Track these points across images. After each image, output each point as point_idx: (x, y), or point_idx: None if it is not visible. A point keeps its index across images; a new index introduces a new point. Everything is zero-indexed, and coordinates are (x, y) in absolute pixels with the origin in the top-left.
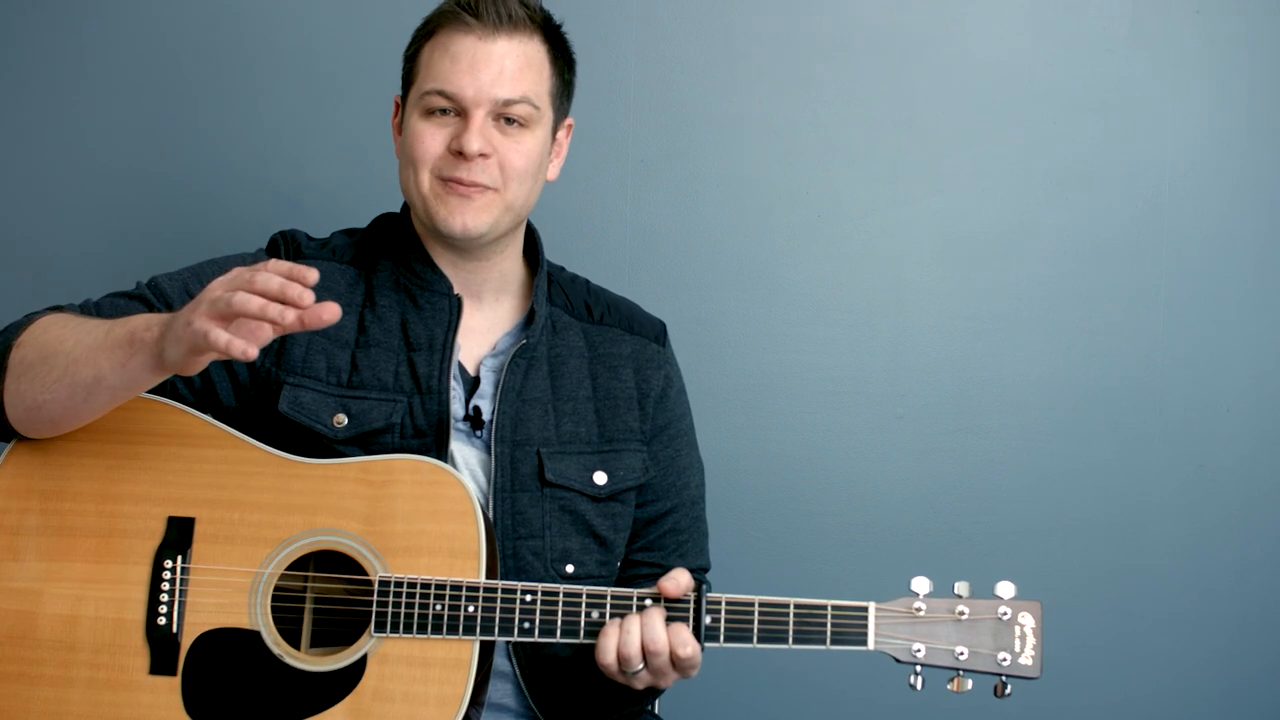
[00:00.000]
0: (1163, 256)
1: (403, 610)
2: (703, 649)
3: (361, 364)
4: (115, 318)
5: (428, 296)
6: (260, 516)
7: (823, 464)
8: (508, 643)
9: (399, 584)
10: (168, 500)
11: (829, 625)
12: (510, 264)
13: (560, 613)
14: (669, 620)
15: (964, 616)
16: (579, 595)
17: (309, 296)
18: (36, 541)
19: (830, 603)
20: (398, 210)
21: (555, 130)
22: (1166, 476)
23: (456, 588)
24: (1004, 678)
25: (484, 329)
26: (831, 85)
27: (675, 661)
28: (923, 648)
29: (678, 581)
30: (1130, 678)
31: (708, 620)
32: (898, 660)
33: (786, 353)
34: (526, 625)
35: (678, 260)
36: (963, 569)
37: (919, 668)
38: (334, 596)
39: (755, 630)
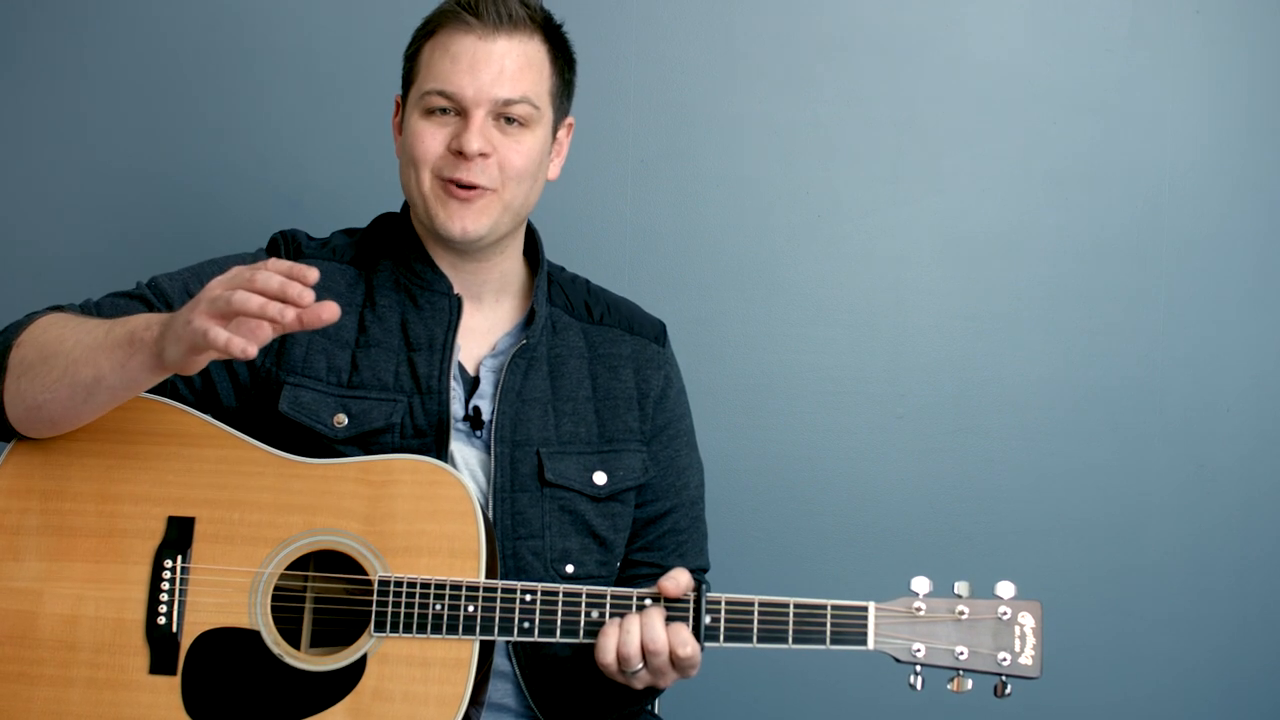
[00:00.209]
0: (1163, 256)
1: (402, 610)
2: (702, 649)
3: (361, 364)
4: (115, 318)
5: (428, 296)
6: (260, 516)
7: (823, 464)
8: (507, 642)
9: (399, 584)
10: (168, 500)
11: (829, 625)
12: (510, 264)
13: (560, 612)
14: (669, 620)
15: (964, 616)
16: (579, 595)
17: (309, 295)
18: (37, 541)
19: (830, 602)
20: (398, 210)
21: (555, 130)
22: (1166, 476)
23: (456, 587)
24: (1004, 677)
25: (484, 329)
26: (831, 85)
27: (675, 661)
28: (923, 647)
29: (677, 581)
30: (1130, 678)
31: (707, 620)
32: (898, 660)
33: (786, 353)
34: (526, 625)
35: (678, 260)
36: (963, 569)
37: (919, 667)
38: (334, 596)
39: (755, 630)
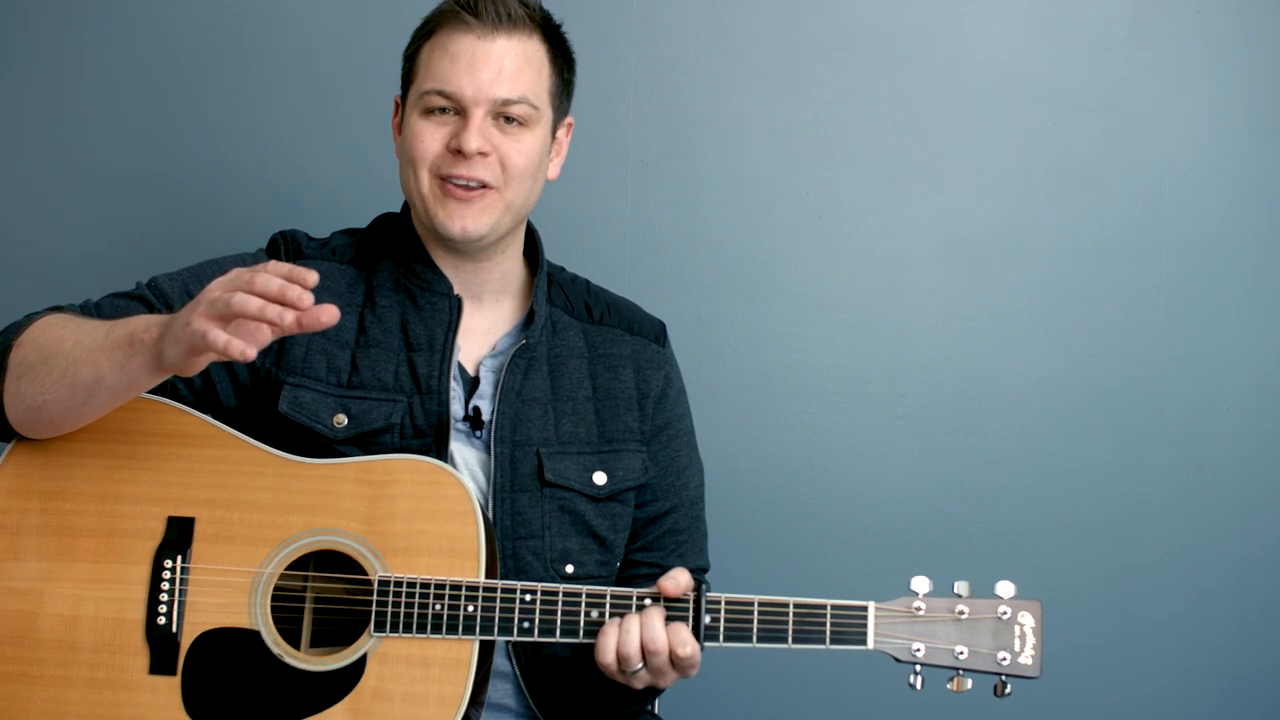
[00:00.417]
0: (1163, 256)
1: (402, 610)
2: (702, 648)
3: (361, 364)
4: (115, 318)
5: (428, 297)
6: (260, 516)
7: (823, 464)
8: (507, 642)
9: (399, 584)
10: (168, 500)
11: (828, 625)
12: (510, 264)
13: (560, 612)
14: (668, 620)
15: (964, 616)
16: (578, 595)
17: (308, 299)
18: (37, 541)
19: (830, 602)
20: (398, 210)
21: (555, 129)
22: (1166, 476)
23: (456, 587)
24: (1004, 677)
25: (484, 329)
26: (831, 85)
27: (674, 661)
28: (922, 647)
29: (677, 581)
30: (1130, 678)
31: (707, 620)
32: (897, 660)
33: (786, 353)
34: (526, 625)
35: (678, 260)
36: (963, 569)
37: (919, 667)
38: (334, 596)
39: (755, 630)
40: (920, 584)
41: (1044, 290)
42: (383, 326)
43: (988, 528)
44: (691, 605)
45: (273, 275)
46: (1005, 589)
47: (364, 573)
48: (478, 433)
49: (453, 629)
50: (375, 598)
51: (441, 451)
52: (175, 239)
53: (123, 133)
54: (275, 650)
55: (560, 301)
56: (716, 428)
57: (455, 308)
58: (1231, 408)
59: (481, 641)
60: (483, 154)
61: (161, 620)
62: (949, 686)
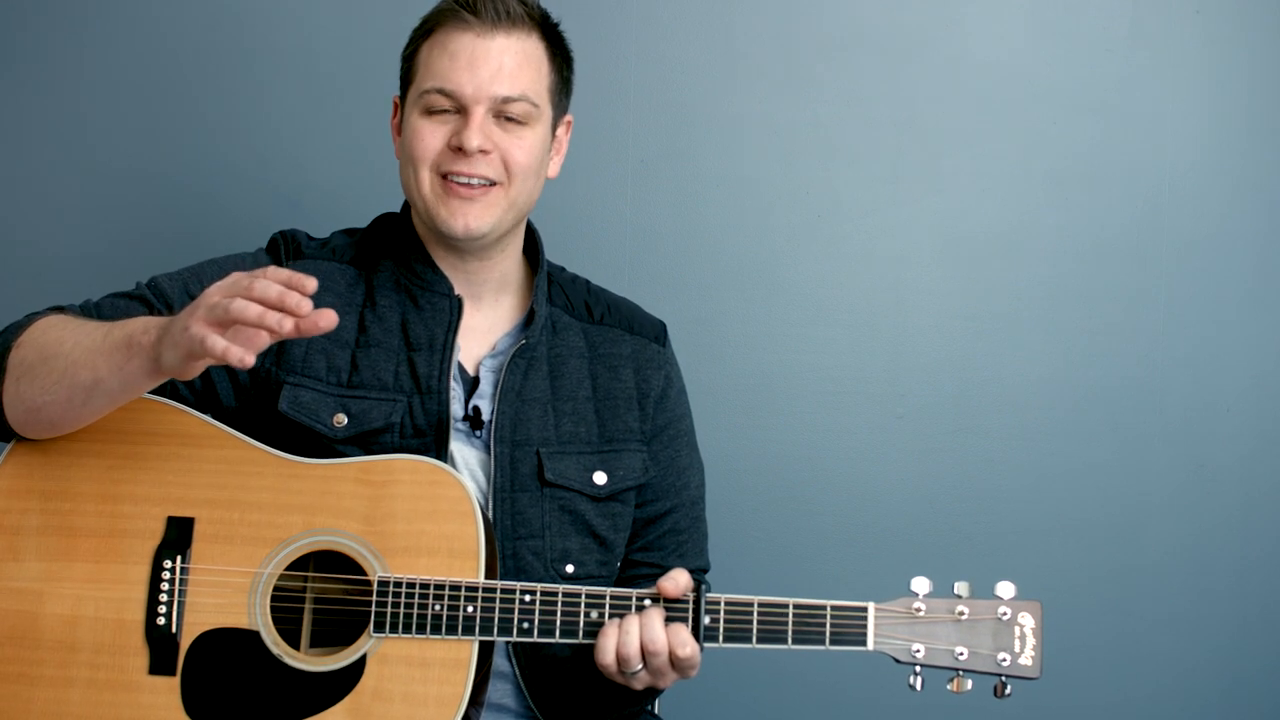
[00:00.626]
0: (1163, 256)
1: (402, 610)
2: (702, 649)
3: (361, 364)
4: (115, 318)
5: (428, 297)
6: (260, 516)
7: (823, 464)
8: (507, 643)
9: (398, 584)
10: (167, 500)
11: (828, 625)
12: (510, 264)
13: (559, 613)
14: (668, 620)
15: (964, 617)
16: (578, 595)
17: (307, 305)
18: (37, 542)
19: (830, 603)
20: (398, 210)
21: (555, 127)
22: (1166, 476)
23: (455, 588)
24: (1004, 678)
25: (484, 329)
26: (831, 85)
27: (674, 662)
28: (922, 648)
29: (677, 582)
30: (1130, 678)
31: (707, 620)
32: (897, 661)
33: (786, 353)
34: (525, 625)
35: (678, 260)
36: (963, 569)
37: (918, 668)
38: (333, 596)
39: (754, 630)
40: (920, 585)
41: (1044, 290)
42: (383, 326)
43: (988, 528)
44: (691, 606)
45: (272, 281)
46: (1005, 590)
47: (364, 573)
48: (478, 432)
49: (452, 629)
50: (375, 598)
51: (441, 451)
52: (175, 239)
53: (123, 133)
54: (275, 651)
55: (560, 301)
56: (716, 428)
57: (455, 307)
58: (1231, 408)
59: (481, 642)
60: (484, 151)
61: (161, 620)
62: (949, 687)
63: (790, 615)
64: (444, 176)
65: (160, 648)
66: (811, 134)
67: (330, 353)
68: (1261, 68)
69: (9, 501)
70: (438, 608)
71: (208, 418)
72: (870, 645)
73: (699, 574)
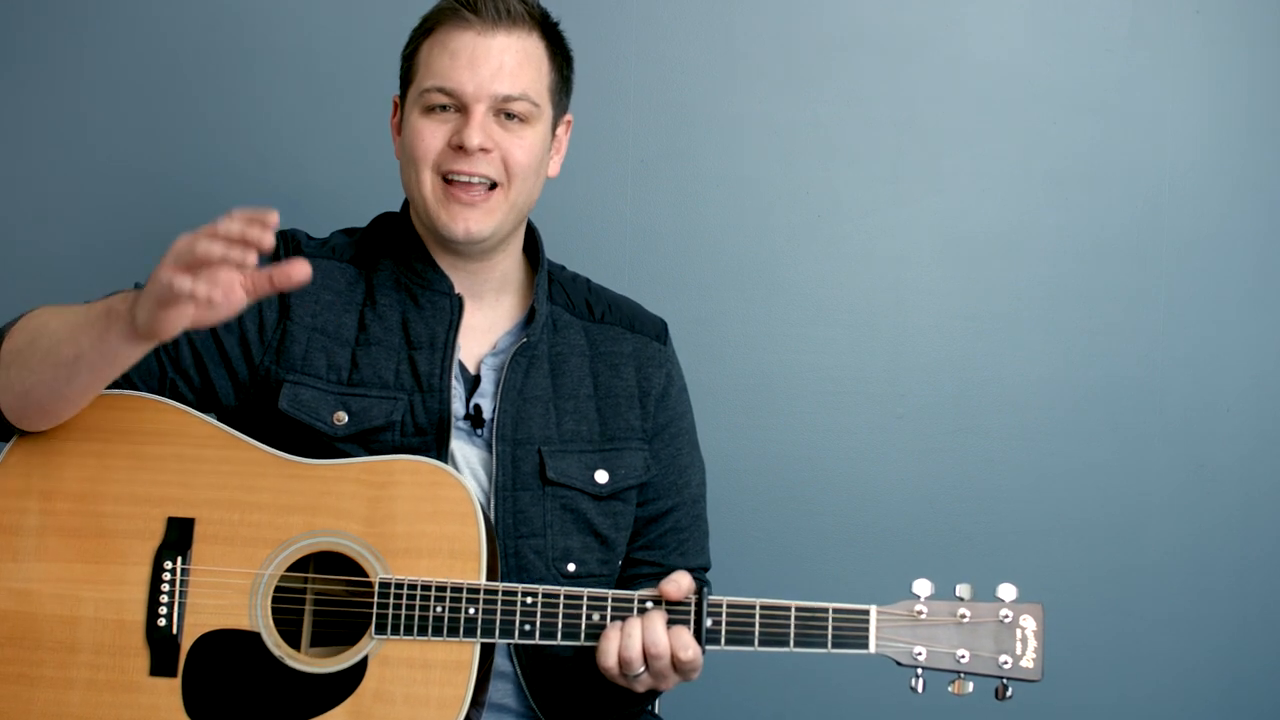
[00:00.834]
0: (1163, 256)
1: (403, 612)
2: (704, 652)
3: (362, 362)
4: None
5: (429, 296)
6: (260, 517)
7: (823, 464)
8: (508, 644)
9: (399, 586)
10: (167, 501)
11: (830, 628)
12: (511, 263)
13: (561, 615)
14: (670, 623)
15: (965, 619)
16: (580, 598)
17: (269, 238)
18: (36, 542)
19: (832, 606)
20: (398, 210)
21: (555, 126)
22: (1166, 476)
23: (457, 589)
24: (1005, 680)
25: (484, 328)
26: (831, 85)
27: (676, 665)
28: (924, 651)
29: (679, 584)
30: (1130, 678)
31: (709, 623)
32: (899, 663)
33: (786, 353)
34: (527, 627)
35: (678, 260)
36: (963, 569)
37: (920, 670)
38: (334, 598)
39: (756, 633)
40: (922, 587)
41: (1044, 290)
42: (383, 325)
43: (988, 528)
44: (693, 609)
45: (235, 219)
46: (1007, 592)
47: (364, 574)
48: (479, 431)
49: (453, 631)
50: (376, 600)
51: (442, 450)
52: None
53: (123, 133)
54: (276, 652)
55: (561, 300)
56: (716, 428)
57: (456, 306)
58: (1231, 408)
59: (482, 643)
60: (485, 150)
61: (162, 622)
62: (950, 689)
63: (792, 618)
64: (445, 179)
65: (161, 649)
66: (811, 134)
67: (330, 350)
68: (1261, 68)
69: (8, 501)
70: (439, 609)
71: (208, 418)
72: (872, 648)
73: (700, 572)
